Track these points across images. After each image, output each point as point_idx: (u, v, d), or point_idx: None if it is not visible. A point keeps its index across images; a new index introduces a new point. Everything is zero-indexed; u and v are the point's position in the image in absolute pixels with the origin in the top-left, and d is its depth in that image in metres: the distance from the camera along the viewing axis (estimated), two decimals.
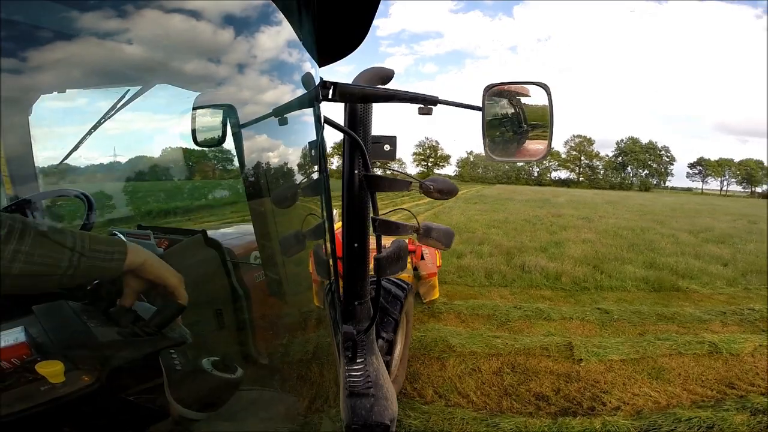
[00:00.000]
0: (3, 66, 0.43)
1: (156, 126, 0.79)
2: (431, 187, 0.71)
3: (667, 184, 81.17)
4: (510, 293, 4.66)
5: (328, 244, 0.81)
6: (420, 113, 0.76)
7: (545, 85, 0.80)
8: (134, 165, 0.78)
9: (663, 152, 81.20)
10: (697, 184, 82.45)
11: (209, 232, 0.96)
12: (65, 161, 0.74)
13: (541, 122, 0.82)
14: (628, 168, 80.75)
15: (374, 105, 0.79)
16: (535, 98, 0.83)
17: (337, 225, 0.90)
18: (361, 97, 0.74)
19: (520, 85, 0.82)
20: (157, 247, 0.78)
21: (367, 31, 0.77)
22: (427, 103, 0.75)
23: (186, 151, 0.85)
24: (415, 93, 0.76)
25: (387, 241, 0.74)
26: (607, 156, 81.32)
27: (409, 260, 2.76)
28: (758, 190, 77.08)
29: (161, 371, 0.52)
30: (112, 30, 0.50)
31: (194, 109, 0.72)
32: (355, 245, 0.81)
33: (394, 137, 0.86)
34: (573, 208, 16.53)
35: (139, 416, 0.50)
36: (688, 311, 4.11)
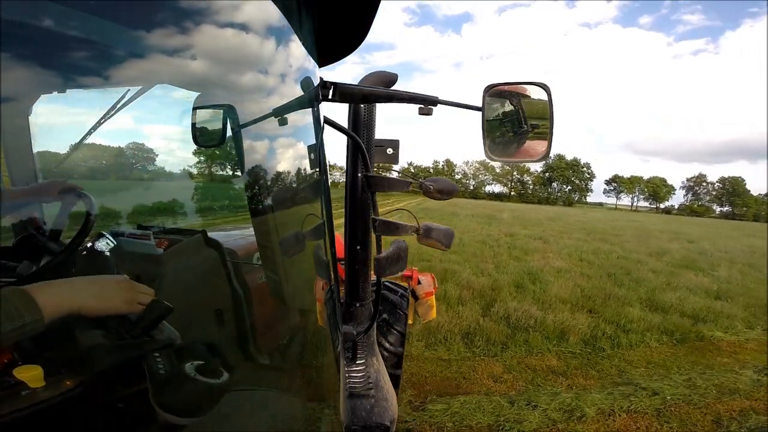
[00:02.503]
0: (3, 66, 0.43)
1: (156, 126, 0.79)
2: (431, 187, 0.71)
3: (587, 199, 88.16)
4: (505, 370, 3.29)
5: (329, 245, 0.81)
6: (420, 113, 0.77)
7: (545, 85, 0.80)
8: (134, 165, 0.78)
9: (585, 169, 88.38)
10: (611, 200, 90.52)
11: (209, 233, 0.95)
12: (65, 161, 0.74)
13: (541, 122, 0.82)
14: (554, 183, 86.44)
15: (378, 108, 0.79)
16: (536, 98, 0.83)
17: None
18: (361, 97, 0.74)
19: (520, 85, 0.82)
20: (156, 247, 0.78)
21: (368, 32, 0.77)
22: (427, 103, 0.75)
23: (186, 152, 0.85)
24: (414, 93, 0.76)
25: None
26: (537, 171, 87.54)
27: (406, 284, 2.78)
28: (661, 206, 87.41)
29: (145, 375, 0.51)
30: (112, 30, 0.50)
31: (194, 109, 0.72)
32: (358, 247, 0.81)
33: (397, 141, 0.86)
34: (521, 225, 15.97)
35: (122, 422, 0.49)
36: (747, 375, 3.32)
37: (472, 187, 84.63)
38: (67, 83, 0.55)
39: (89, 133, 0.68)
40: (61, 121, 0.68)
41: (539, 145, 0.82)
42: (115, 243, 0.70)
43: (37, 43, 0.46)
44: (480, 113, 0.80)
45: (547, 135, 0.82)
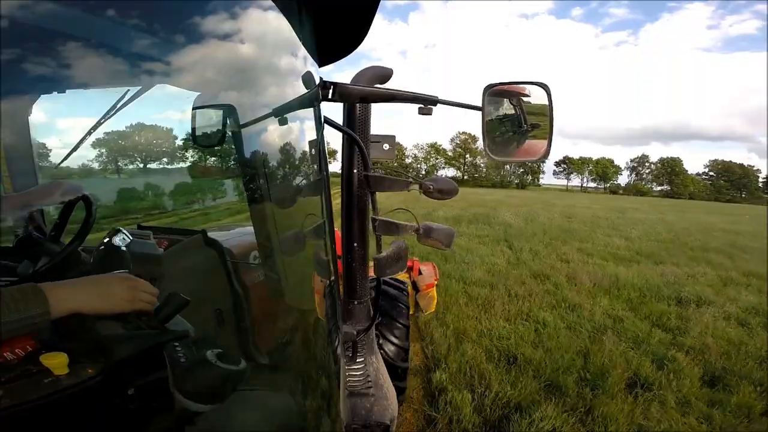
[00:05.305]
0: (3, 66, 0.43)
1: (156, 126, 0.79)
2: (431, 186, 0.70)
3: (540, 181, 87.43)
4: None
5: (329, 244, 0.81)
6: (420, 113, 0.76)
7: (545, 85, 0.80)
8: (134, 165, 0.78)
9: None
10: (561, 181, 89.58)
11: (209, 232, 0.96)
12: (65, 161, 0.74)
13: (541, 122, 0.82)
14: (507, 166, 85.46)
15: (373, 105, 0.78)
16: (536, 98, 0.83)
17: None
18: (361, 97, 0.74)
19: (520, 85, 0.82)
20: (157, 247, 0.78)
21: (367, 31, 0.77)
22: (427, 103, 0.75)
23: (186, 152, 0.85)
24: (415, 93, 0.76)
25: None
26: None
27: (407, 276, 2.77)
28: (606, 185, 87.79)
29: (165, 364, 0.52)
30: (112, 30, 0.50)
31: (194, 109, 0.72)
32: (355, 245, 0.81)
33: (393, 136, 0.86)
34: (572, 242, 8.68)
35: (143, 409, 0.50)
36: None
37: (424, 172, 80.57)
38: (67, 83, 0.55)
39: (89, 133, 0.68)
40: (61, 121, 0.68)
41: (539, 144, 0.83)
42: (131, 238, 0.70)
43: (37, 43, 0.46)
44: (480, 113, 0.80)
45: (546, 134, 0.82)
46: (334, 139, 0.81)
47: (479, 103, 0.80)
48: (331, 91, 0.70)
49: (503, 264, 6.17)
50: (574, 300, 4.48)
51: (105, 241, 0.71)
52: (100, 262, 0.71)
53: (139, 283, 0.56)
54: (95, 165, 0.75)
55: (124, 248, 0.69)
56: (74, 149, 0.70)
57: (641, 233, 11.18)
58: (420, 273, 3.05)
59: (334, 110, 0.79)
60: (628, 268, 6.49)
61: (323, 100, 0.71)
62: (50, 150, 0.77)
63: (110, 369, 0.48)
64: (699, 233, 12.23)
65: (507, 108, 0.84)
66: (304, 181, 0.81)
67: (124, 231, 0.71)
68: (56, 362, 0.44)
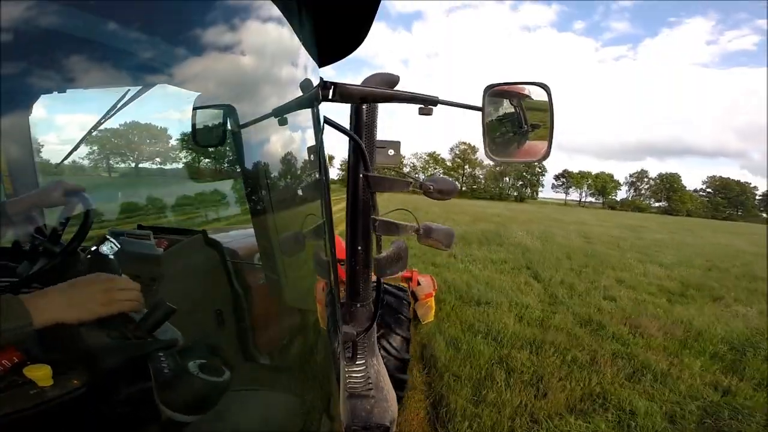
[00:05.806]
0: (3, 66, 0.43)
1: (156, 126, 0.79)
2: (431, 187, 0.70)
3: (539, 195, 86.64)
4: None
5: (329, 245, 0.81)
6: (420, 113, 0.76)
7: (545, 85, 0.80)
8: (134, 165, 0.78)
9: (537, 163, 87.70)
10: (560, 195, 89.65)
11: (209, 233, 0.95)
12: (65, 161, 0.74)
13: (541, 122, 0.82)
14: (506, 178, 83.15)
15: (380, 109, 0.79)
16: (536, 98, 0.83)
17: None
18: (361, 97, 0.74)
19: (520, 86, 0.82)
20: (156, 247, 0.78)
21: (368, 31, 0.77)
22: (427, 103, 0.75)
23: (186, 152, 0.85)
24: (415, 93, 0.76)
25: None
26: (489, 165, 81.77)
27: (406, 285, 2.81)
28: (605, 200, 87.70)
29: (149, 375, 0.51)
30: (112, 30, 0.50)
31: (194, 109, 0.72)
32: (359, 248, 0.81)
33: (398, 142, 0.86)
34: (574, 261, 7.99)
35: (128, 420, 0.50)
36: None
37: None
38: (67, 83, 0.55)
39: (89, 133, 0.68)
40: (61, 121, 0.68)
41: (540, 145, 0.82)
42: (119, 246, 0.70)
43: (37, 43, 0.46)
44: (480, 113, 0.80)
45: (546, 135, 0.82)
46: (334, 142, 0.81)
47: (480, 104, 0.80)
48: (331, 91, 0.70)
49: (536, 304, 4.81)
50: (653, 363, 3.21)
51: (92, 250, 0.71)
52: (88, 272, 0.70)
53: (114, 282, 0.52)
54: (96, 165, 0.75)
55: (111, 257, 0.68)
56: (74, 149, 0.70)
57: (674, 259, 9.88)
58: (419, 284, 3.10)
59: (341, 114, 0.78)
60: (689, 308, 5.31)
61: (323, 101, 0.71)
62: (50, 150, 0.77)
63: (96, 380, 0.47)
64: (730, 258, 10.91)
65: (507, 108, 0.84)
66: (304, 182, 0.81)
67: (112, 239, 0.70)
68: (40, 374, 0.43)
